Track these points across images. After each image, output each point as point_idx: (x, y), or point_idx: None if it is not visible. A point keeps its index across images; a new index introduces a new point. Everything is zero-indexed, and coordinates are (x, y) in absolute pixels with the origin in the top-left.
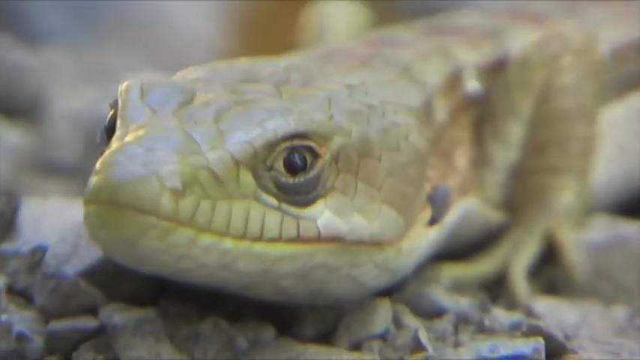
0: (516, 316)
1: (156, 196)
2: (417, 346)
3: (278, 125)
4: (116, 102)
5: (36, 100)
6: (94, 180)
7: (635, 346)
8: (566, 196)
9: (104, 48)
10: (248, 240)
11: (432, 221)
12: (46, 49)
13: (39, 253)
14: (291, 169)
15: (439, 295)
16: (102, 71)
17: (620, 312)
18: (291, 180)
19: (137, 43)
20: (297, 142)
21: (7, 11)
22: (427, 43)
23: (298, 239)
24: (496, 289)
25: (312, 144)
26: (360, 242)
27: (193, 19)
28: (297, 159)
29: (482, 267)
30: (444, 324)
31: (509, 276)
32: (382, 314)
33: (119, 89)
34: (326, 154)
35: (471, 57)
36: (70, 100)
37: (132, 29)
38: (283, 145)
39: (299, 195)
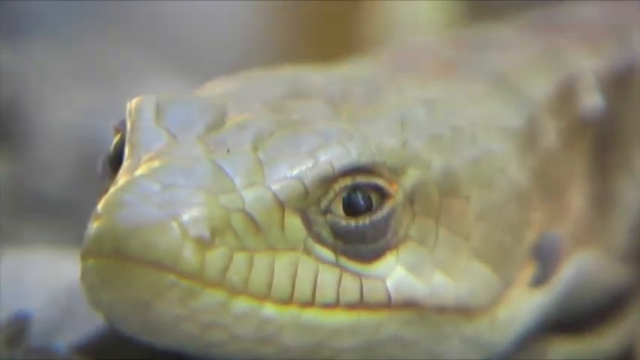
0: None
1: (176, 247)
2: None
3: (335, 155)
4: (123, 123)
5: (13, 111)
6: (94, 226)
7: None
8: None
9: (105, 42)
10: (295, 305)
11: (538, 280)
12: (29, 43)
13: (21, 320)
14: (353, 211)
15: None
16: (102, 73)
17: None
18: (352, 223)
19: (150, 36)
20: (360, 179)
21: None
22: (531, 44)
23: (362, 305)
24: None
25: (379, 182)
26: (442, 309)
27: (225, 7)
28: (360, 200)
29: (604, 341)
30: None
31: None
32: None
33: (128, 107)
34: (398, 193)
35: (589, 62)
36: (60, 111)
37: (142, 19)
38: (342, 183)
39: (363, 244)
